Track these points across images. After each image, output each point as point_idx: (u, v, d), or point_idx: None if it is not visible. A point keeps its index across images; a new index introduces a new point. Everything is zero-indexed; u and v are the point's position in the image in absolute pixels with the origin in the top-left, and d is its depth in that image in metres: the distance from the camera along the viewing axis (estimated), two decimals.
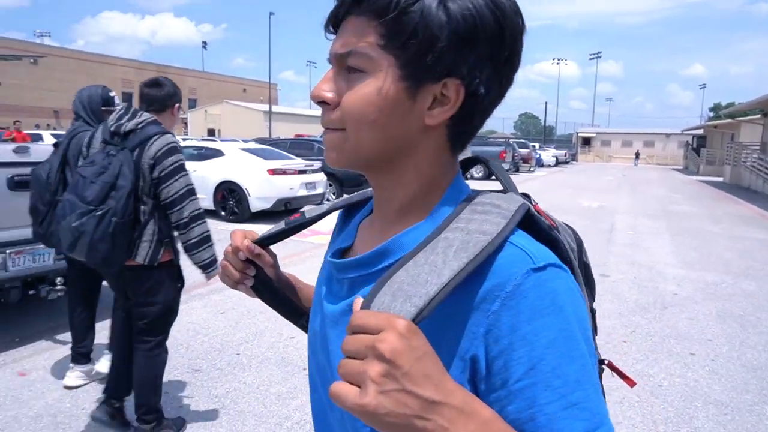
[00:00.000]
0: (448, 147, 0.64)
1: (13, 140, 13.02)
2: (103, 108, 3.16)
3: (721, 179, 25.58)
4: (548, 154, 35.75)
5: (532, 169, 28.51)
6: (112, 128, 2.34)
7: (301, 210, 0.86)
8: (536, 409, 0.51)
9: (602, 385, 0.67)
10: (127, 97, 47.58)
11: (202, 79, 57.16)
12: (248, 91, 60.25)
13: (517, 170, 25.32)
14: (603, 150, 54.04)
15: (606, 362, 0.78)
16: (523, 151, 27.12)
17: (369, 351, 0.46)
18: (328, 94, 0.61)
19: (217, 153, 9.65)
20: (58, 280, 3.89)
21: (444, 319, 0.56)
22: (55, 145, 3.15)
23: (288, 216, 0.86)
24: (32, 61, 27.78)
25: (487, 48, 0.59)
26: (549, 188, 18.36)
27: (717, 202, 15.29)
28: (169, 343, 3.89)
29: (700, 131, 39.34)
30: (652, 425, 2.95)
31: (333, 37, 0.64)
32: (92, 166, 2.23)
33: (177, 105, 2.61)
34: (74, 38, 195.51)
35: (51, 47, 44.47)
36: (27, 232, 3.71)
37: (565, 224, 0.75)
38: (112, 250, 2.21)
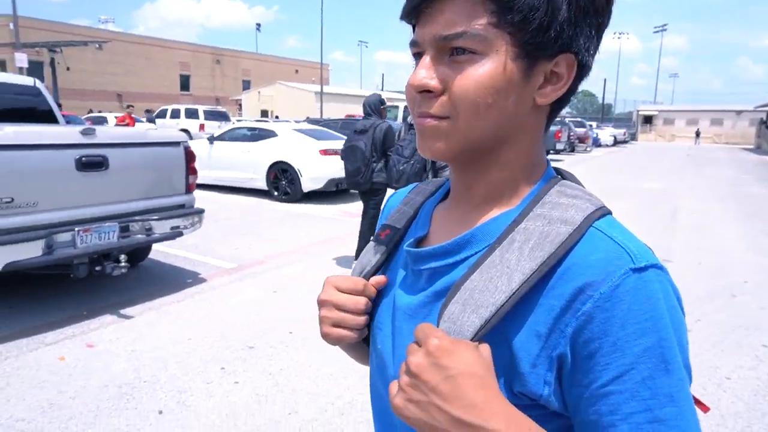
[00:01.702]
0: (545, 125, 0.63)
1: (126, 125, 13.53)
2: (381, 107, 5.20)
3: None
4: (606, 133, 34.39)
5: (588, 149, 27.52)
6: (411, 120, 4.04)
7: (386, 224, 0.76)
8: (619, 417, 0.50)
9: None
10: (185, 79, 49.07)
11: (255, 61, 58.01)
12: (300, 72, 60.76)
13: (572, 150, 24.48)
14: (665, 129, 51.46)
15: None
16: (580, 130, 26.19)
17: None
18: (432, 82, 0.57)
19: (270, 134, 9.80)
20: (122, 257, 4.07)
21: (534, 311, 0.54)
22: (358, 131, 5.11)
23: (378, 234, 0.76)
24: (97, 46, 28.87)
25: (597, 17, 0.57)
26: (606, 169, 17.67)
27: None
28: (223, 319, 4.01)
29: None
30: (720, 419, 2.80)
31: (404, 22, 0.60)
32: (405, 140, 4.44)
33: None
34: (135, 24, 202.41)
35: (114, 32, 46.13)
36: (94, 211, 3.90)
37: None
38: (417, 181, 3.98)
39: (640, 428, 0.49)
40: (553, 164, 0.67)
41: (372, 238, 0.76)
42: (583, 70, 0.59)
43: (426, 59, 0.57)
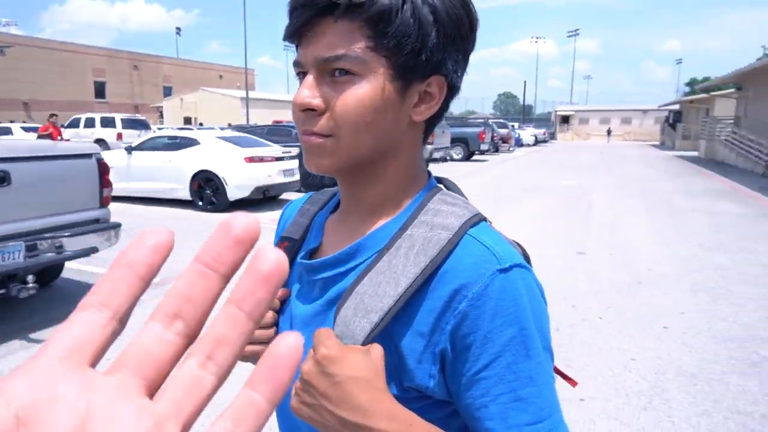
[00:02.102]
0: (422, 140, 0.69)
1: (50, 136, 12.12)
2: None
3: (696, 154, 26.00)
4: (527, 134, 35.95)
5: (511, 149, 28.65)
6: None
7: (284, 236, 0.78)
8: (489, 399, 0.57)
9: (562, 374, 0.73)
10: (100, 86, 46.55)
11: (177, 66, 56.00)
12: (225, 78, 59.29)
13: (496, 150, 25.40)
14: (581, 128, 54.52)
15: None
16: (503, 131, 27.19)
17: None
18: (315, 101, 0.60)
19: (192, 142, 9.51)
20: (30, 277, 3.84)
21: (419, 312, 0.60)
22: None
23: (280, 245, 0.77)
24: None
25: (463, 43, 0.64)
26: (528, 168, 18.49)
27: (693, 177, 15.55)
28: None
29: (677, 107, 39.83)
30: (625, 398, 3.02)
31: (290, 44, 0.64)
32: None
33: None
34: (42, 27, 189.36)
35: (18, 36, 43.05)
36: None
37: (514, 241, 0.77)
38: None
39: (505, 407, 0.56)
40: (449, 172, 0.74)
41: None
42: (452, 90, 0.66)
43: (309, 79, 0.61)
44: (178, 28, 72.12)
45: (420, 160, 0.70)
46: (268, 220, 8.39)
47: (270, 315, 0.71)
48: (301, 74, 0.63)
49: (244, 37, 34.74)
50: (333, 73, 0.60)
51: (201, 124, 31.62)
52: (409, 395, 0.60)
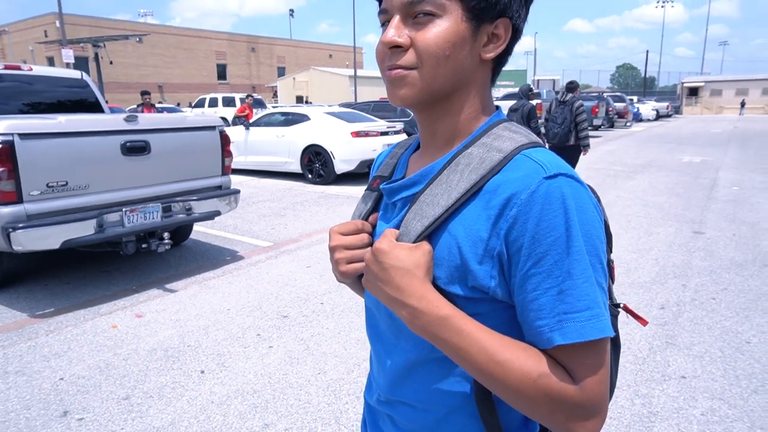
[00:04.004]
0: (490, 79, 0.78)
1: (246, 117, 12.73)
2: (530, 92, 7.88)
3: None
4: (647, 108, 33.27)
5: (628, 124, 26.73)
6: (560, 98, 7.01)
7: (376, 175, 0.92)
8: (540, 292, 0.65)
9: (609, 285, 0.81)
10: (221, 69, 49.91)
11: (290, 47, 58.41)
12: (334, 57, 60.88)
13: (611, 126, 23.86)
14: (712, 101, 49.24)
15: (621, 305, 0.89)
16: (619, 105, 25.44)
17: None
18: (401, 39, 0.70)
19: (302, 118, 10.02)
20: (165, 234, 4.37)
21: (477, 220, 0.69)
22: (512, 109, 7.68)
23: (370, 184, 0.92)
24: (138, 39, 29.82)
25: None
26: (645, 143, 17.20)
27: None
28: (260, 292, 4.27)
29: None
30: (734, 379, 2.86)
31: None
32: (557, 112, 7.00)
33: (577, 89, 7.16)
34: (172, 16, 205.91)
35: (153, 25, 47.34)
36: (139, 193, 4.19)
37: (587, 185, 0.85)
38: (566, 138, 6.95)
39: (553, 298, 0.65)
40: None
41: (366, 187, 0.93)
42: (516, 33, 0.75)
43: (395, 21, 0.71)
44: (291, 10, 75.00)
45: (489, 97, 0.79)
46: None
47: (366, 236, 0.84)
48: (386, 22, 0.73)
49: (353, 16, 35.39)
50: (415, 16, 0.70)
51: (309, 103, 32.89)
52: (475, 295, 0.69)
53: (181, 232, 5.43)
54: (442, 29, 0.69)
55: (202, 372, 3.00)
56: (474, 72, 0.74)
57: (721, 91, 49.66)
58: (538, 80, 32.48)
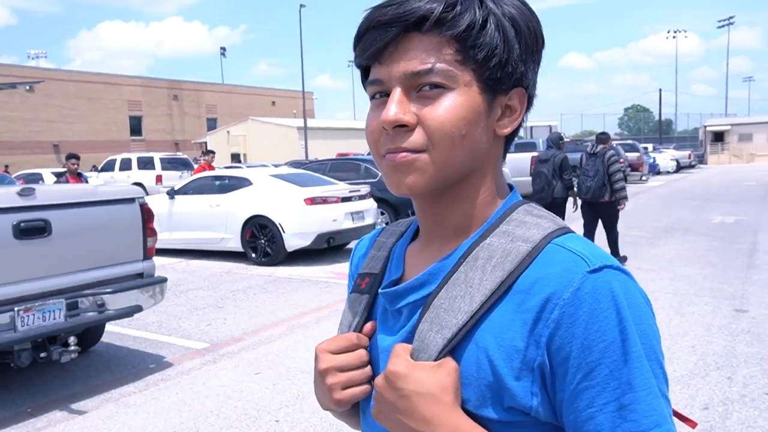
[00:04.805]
0: (502, 155, 0.85)
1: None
2: (560, 141, 8.99)
3: None
4: (666, 157, 34.87)
5: (644, 178, 27.82)
6: (590, 150, 8.39)
7: (363, 272, 0.96)
8: (595, 409, 0.68)
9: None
10: (135, 122, 50.25)
11: (222, 93, 59.39)
12: (278, 104, 62.08)
13: (624, 180, 24.73)
14: (742, 147, 51.73)
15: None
16: (632, 155, 26.53)
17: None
18: (407, 117, 0.73)
19: (243, 182, 10.15)
20: (71, 339, 4.30)
21: (511, 326, 0.72)
22: (541, 160, 8.81)
23: (358, 284, 0.94)
24: (27, 88, 30.01)
25: (538, 55, 0.82)
26: (667, 201, 17.92)
27: None
28: (195, 409, 4.21)
29: None
30: None
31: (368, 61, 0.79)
32: (588, 165, 8.22)
33: (608, 140, 8.76)
34: (71, 57, 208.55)
35: (48, 70, 47.83)
36: (36, 286, 4.15)
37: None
38: (600, 192, 8.07)
39: (612, 415, 0.67)
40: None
41: (350, 290, 0.98)
42: (530, 102, 0.82)
43: (396, 95, 0.74)
44: (223, 48, 77.40)
45: (502, 176, 0.87)
46: (333, 274, 8.75)
47: (364, 353, 0.87)
48: (379, 93, 0.78)
49: (301, 54, 36.54)
50: (421, 88, 0.74)
51: (241, 161, 32.96)
52: (513, 418, 0.71)
53: (90, 335, 5.33)
54: (455, 104, 0.73)
55: None
56: (488, 150, 0.80)
57: (751, 135, 52.05)
58: (532, 127, 33.69)
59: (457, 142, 0.74)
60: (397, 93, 0.74)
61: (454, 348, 0.74)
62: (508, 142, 0.85)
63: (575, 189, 8.47)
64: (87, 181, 11.90)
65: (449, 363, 0.73)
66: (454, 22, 0.72)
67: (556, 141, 8.96)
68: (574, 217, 8.84)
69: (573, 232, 0.79)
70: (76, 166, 10.78)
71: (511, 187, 0.88)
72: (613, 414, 0.67)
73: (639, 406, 0.67)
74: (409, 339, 0.78)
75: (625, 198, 8.28)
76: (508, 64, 0.75)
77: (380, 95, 0.78)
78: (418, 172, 0.75)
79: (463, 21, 0.72)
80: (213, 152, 15.09)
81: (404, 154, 0.74)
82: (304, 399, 4.26)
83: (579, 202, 8.57)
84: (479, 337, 0.73)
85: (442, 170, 0.75)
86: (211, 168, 13.60)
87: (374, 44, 0.75)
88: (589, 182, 8.09)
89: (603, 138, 8.62)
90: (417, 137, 0.74)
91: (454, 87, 0.73)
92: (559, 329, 0.68)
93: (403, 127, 0.74)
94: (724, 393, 4.11)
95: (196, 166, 16.72)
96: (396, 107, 0.73)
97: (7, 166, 14.12)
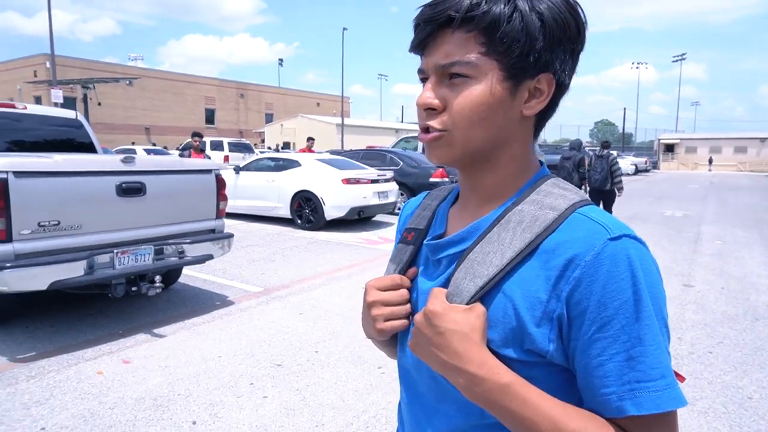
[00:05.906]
0: (533, 134, 0.77)
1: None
2: (580, 146, 9.71)
3: None
4: (627, 162, 34.14)
5: None
6: (597, 153, 9.16)
7: (409, 227, 0.89)
8: (605, 358, 0.63)
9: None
10: (210, 113, 50.42)
11: (278, 95, 59.45)
12: (321, 105, 61.98)
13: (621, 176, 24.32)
14: (688, 157, 50.84)
15: None
16: None
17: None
18: (434, 101, 0.71)
19: (293, 164, 10.07)
20: (157, 278, 4.26)
21: (535, 281, 0.66)
22: (564, 158, 9.54)
23: (404, 236, 0.89)
24: (128, 83, 30.16)
25: (570, 44, 0.72)
26: (627, 197, 17.56)
27: None
28: (252, 338, 4.15)
29: None
30: None
31: (414, 53, 0.75)
32: (597, 164, 9.10)
33: (610, 145, 9.61)
34: (161, 60, 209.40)
35: (143, 69, 47.94)
36: (131, 234, 4.12)
37: None
38: (604, 183, 9.01)
39: (620, 365, 0.62)
40: None
41: (398, 240, 0.90)
42: (561, 87, 0.73)
43: (429, 83, 0.72)
44: (281, 59, 76.86)
45: (532, 152, 0.78)
46: (362, 240, 8.67)
47: (406, 292, 0.81)
48: (424, 80, 0.73)
49: (342, 67, 36.30)
50: (450, 77, 0.70)
51: (284, 147, 33.04)
52: (530, 359, 0.66)
53: (170, 276, 5.30)
54: (474, 93, 0.69)
55: (194, 423, 2.87)
56: (515, 129, 0.73)
57: (696, 148, 51.37)
58: None
59: (475, 124, 0.70)
60: (431, 80, 0.72)
61: (484, 295, 0.69)
62: (540, 121, 0.76)
63: (587, 180, 9.35)
64: (210, 158, 10.75)
65: (479, 307, 0.68)
66: (478, 19, 0.67)
67: (578, 146, 9.84)
68: None
69: (594, 204, 0.71)
70: (198, 142, 10.17)
71: (541, 163, 0.79)
72: (622, 363, 0.62)
73: (647, 359, 0.62)
74: (445, 285, 0.73)
75: (622, 188, 9.21)
76: (530, 54, 0.68)
77: (424, 81, 0.74)
78: (444, 147, 0.73)
79: (487, 18, 0.67)
80: (313, 139, 14.54)
81: (432, 133, 0.72)
82: (338, 336, 4.20)
83: (588, 189, 9.37)
84: (507, 288, 0.68)
85: (464, 146, 0.72)
86: (311, 152, 13.14)
87: (416, 39, 0.73)
88: (596, 176, 9.06)
89: (606, 144, 9.69)
90: (442, 118, 0.71)
91: (476, 76, 0.69)
92: (579, 286, 0.63)
93: (433, 110, 0.71)
94: (676, 350, 3.98)
95: (300, 148, 15.93)
96: (427, 93, 0.71)
97: (133, 143, 13.83)
